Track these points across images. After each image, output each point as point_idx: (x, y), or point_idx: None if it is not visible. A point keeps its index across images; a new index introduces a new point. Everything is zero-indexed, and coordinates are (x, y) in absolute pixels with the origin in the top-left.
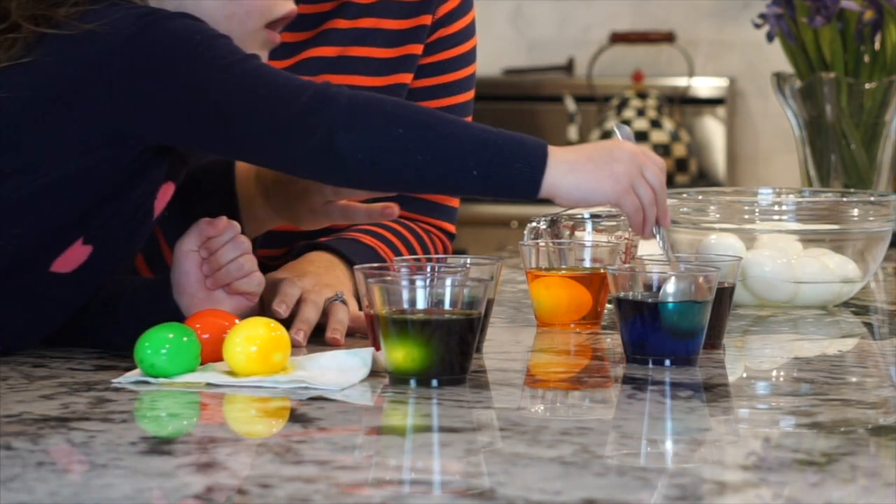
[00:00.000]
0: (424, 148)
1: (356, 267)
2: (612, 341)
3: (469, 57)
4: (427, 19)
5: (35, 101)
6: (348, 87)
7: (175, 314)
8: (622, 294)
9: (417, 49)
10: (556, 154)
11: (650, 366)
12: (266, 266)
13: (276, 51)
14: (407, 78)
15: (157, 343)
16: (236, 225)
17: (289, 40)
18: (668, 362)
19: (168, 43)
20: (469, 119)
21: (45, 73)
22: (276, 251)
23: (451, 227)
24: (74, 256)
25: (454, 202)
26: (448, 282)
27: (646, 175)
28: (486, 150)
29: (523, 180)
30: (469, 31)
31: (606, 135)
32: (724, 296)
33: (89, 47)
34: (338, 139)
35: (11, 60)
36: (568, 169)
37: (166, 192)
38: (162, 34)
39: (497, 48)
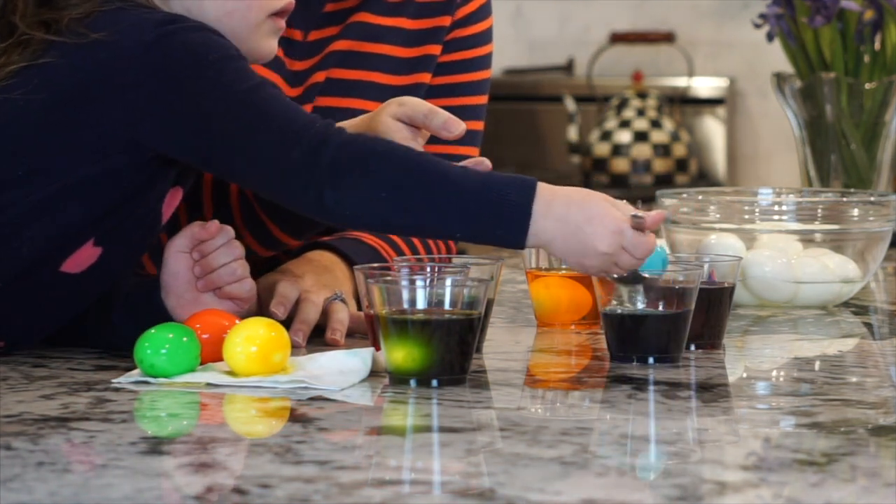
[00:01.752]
0: (405, 214)
1: (356, 267)
2: None
3: (483, 61)
4: (446, 20)
5: (50, 103)
6: (352, 134)
7: (168, 315)
8: (603, 293)
9: (436, 49)
10: (537, 221)
11: (634, 363)
12: (276, 259)
13: (308, 49)
14: (426, 78)
15: (157, 343)
16: (229, 230)
17: (318, 37)
18: (651, 360)
19: (183, 59)
20: (481, 124)
21: (59, 75)
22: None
23: (475, 152)
24: (84, 257)
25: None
26: (448, 282)
27: (620, 264)
28: (469, 217)
29: (506, 243)
30: (485, 37)
31: (606, 135)
32: (724, 296)
33: (103, 52)
34: (326, 196)
35: (26, 61)
36: (549, 239)
37: (174, 197)
38: (179, 47)
39: (497, 48)
